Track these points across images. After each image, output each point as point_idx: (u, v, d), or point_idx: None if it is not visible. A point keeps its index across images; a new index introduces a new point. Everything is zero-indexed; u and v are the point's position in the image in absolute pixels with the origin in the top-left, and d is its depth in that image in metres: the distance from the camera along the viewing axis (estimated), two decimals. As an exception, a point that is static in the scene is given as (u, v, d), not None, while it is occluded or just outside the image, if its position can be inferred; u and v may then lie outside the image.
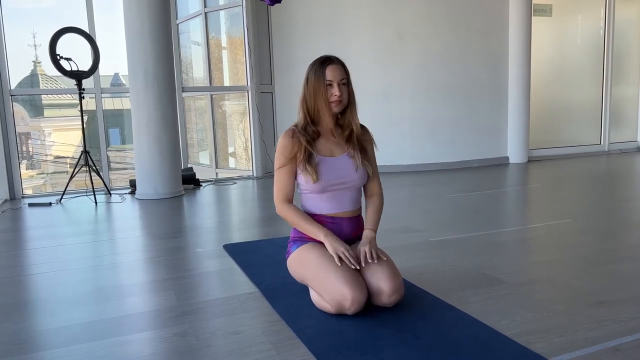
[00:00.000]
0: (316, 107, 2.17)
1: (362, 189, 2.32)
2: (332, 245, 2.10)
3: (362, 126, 2.31)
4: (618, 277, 2.52)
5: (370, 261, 2.08)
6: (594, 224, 3.70)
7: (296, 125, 2.23)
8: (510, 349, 1.77)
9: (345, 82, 2.18)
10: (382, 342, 1.85)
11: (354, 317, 2.02)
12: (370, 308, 2.08)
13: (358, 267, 2.06)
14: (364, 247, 2.13)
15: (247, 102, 6.72)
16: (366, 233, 2.22)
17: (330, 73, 2.13)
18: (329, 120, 2.20)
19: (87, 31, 5.53)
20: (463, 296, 2.29)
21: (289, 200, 2.24)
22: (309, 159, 2.16)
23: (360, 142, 2.27)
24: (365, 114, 2.33)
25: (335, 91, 2.13)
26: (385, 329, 1.95)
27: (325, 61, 2.16)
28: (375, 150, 2.34)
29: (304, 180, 2.18)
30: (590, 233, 3.43)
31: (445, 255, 2.97)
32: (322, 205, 2.21)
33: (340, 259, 2.06)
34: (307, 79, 2.19)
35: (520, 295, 2.29)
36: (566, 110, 7.87)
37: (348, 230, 2.25)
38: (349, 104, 2.22)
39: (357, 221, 2.28)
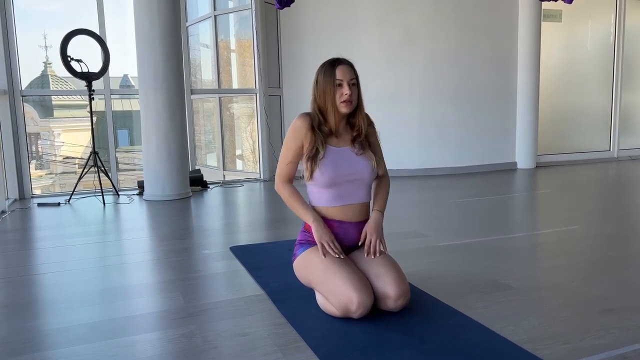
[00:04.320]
0: (326, 107, 2.18)
1: (370, 189, 2.31)
2: (318, 232, 2.15)
3: (367, 116, 2.31)
4: (626, 284, 2.50)
5: (372, 257, 2.14)
6: (603, 230, 3.68)
7: (313, 113, 2.22)
8: (516, 356, 1.76)
9: (355, 83, 2.19)
10: (388, 346, 1.84)
11: (360, 320, 2.02)
12: (376, 311, 2.08)
13: (342, 257, 2.10)
14: (370, 235, 2.17)
15: (255, 105, 6.74)
16: (375, 215, 2.24)
17: (341, 73, 2.15)
18: (337, 120, 2.20)
19: (98, 33, 5.57)
20: (469, 301, 2.28)
21: (289, 180, 2.29)
22: (314, 156, 2.16)
23: (366, 135, 2.27)
24: (374, 117, 2.33)
25: (345, 90, 2.14)
26: (391, 332, 1.94)
27: (335, 62, 2.18)
28: (378, 136, 2.35)
29: (309, 173, 2.18)
30: (599, 239, 3.41)
31: (453, 260, 2.96)
32: (328, 201, 2.20)
33: (323, 248, 2.11)
34: (316, 80, 2.20)
35: (527, 302, 2.28)
36: (575, 116, 7.83)
37: (354, 234, 2.24)
38: (358, 105, 2.23)
39: (364, 225, 2.27)
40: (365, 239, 2.20)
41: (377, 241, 2.17)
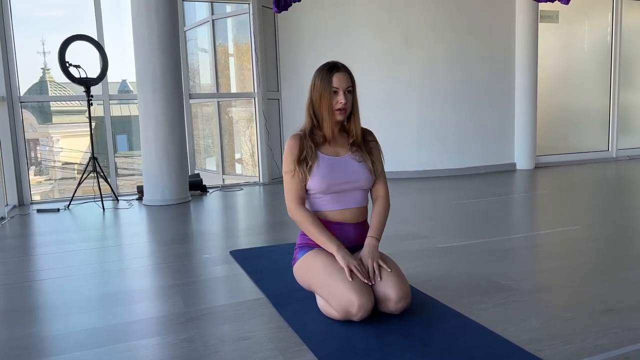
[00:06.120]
0: (321, 112, 2.19)
1: (367, 194, 2.32)
2: (345, 258, 2.06)
3: (366, 129, 2.33)
4: (627, 284, 2.50)
5: (378, 279, 2.05)
6: (603, 230, 3.68)
7: (303, 130, 2.25)
8: (518, 357, 1.76)
9: (351, 90, 2.19)
10: (389, 349, 1.84)
11: (361, 323, 2.02)
12: (377, 314, 2.07)
13: (370, 283, 2.03)
14: (366, 260, 2.09)
15: (253, 109, 6.74)
16: (368, 241, 2.17)
17: (337, 80, 2.15)
18: (332, 125, 2.21)
19: (96, 39, 5.58)
20: (471, 303, 2.28)
21: (302, 201, 2.22)
22: (305, 160, 2.18)
23: (367, 144, 2.29)
24: (373, 120, 2.34)
25: (340, 98, 2.15)
26: (393, 335, 1.94)
27: (333, 68, 2.18)
28: (381, 154, 2.34)
29: (308, 180, 2.19)
30: (599, 240, 3.41)
31: (453, 261, 2.96)
32: (326, 205, 2.21)
33: (351, 272, 2.02)
34: (313, 84, 2.21)
35: (529, 303, 2.28)
36: (573, 117, 7.84)
37: (354, 236, 2.24)
38: (353, 111, 2.23)
39: (362, 227, 2.28)
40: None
41: (375, 264, 2.08)
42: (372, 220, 2.26)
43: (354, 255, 2.23)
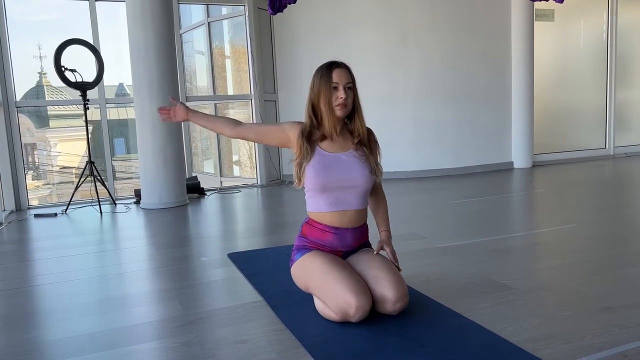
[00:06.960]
0: (320, 110, 2.18)
1: (367, 196, 2.30)
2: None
3: (369, 128, 2.32)
4: (625, 282, 2.50)
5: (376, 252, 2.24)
6: (600, 229, 3.68)
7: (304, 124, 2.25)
8: (517, 356, 1.76)
9: (351, 87, 2.18)
10: (388, 350, 1.84)
11: (359, 325, 2.02)
12: (375, 316, 2.07)
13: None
14: (388, 246, 2.26)
15: (250, 111, 6.74)
16: (385, 235, 2.31)
17: (337, 76, 2.14)
18: (333, 122, 2.18)
19: (92, 42, 5.57)
20: (469, 303, 2.28)
21: (248, 129, 2.36)
22: (300, 164, 2.19)
23: (370, 144, 2.28)
24: (369, 120, 2.32)
25: (340, 94, 2.13)
26: (391, 336, 1.94)
27: (332, 65, 2.18)
28: (380, 155, 2.34)
29: (306, 178, 2.19)
30: (597, 238, 3.41)
31: (451, 261, 2.96)
32: (324, 206, 2.20)
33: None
34: (313, 83, 2.20)
35: (527, 302, 2.28)
36: (570, 115, 7.85)
37: (351, 240, 2.24)
38: (355, 109, 2.22)
39: (361, 230, 2.28)
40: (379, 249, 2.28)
41: (391, 250, 2.25)
42: (381, 216, 2.37)
43: (352, 256, 2.24)
